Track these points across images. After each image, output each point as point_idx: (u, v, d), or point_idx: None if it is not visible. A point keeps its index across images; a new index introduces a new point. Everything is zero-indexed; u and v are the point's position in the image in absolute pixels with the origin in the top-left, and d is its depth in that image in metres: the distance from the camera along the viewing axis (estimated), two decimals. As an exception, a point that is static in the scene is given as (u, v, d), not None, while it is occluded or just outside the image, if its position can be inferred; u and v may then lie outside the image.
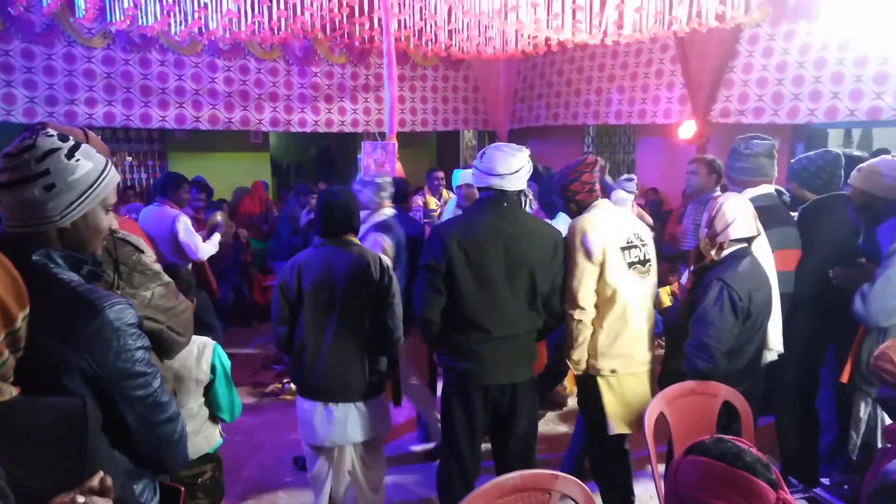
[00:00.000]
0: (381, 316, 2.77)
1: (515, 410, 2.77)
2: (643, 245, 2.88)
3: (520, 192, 2.77)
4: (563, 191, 2.93)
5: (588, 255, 2.72)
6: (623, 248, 2.79)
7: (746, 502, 1.16)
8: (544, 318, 2.76)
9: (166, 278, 1.92)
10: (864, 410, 2.81)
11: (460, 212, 4.06)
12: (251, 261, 7.12)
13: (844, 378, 2.84)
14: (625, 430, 2.84)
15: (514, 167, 2.61)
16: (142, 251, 1.87)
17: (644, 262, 2.85)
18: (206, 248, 4.83)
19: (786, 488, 1.22)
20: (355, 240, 2.82)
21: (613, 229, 2.80)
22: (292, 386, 5.15)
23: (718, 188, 4.03)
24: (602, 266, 2.74)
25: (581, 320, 2.76)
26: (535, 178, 4.65)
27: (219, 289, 5.97)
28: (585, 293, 2.74)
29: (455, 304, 2.62)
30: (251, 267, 7.13)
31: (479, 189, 2.72)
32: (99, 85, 6.27)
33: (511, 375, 2.73)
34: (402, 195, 4.13)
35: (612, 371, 2.81)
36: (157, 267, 1.91)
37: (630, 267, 2.79)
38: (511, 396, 2.75)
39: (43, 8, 5.02)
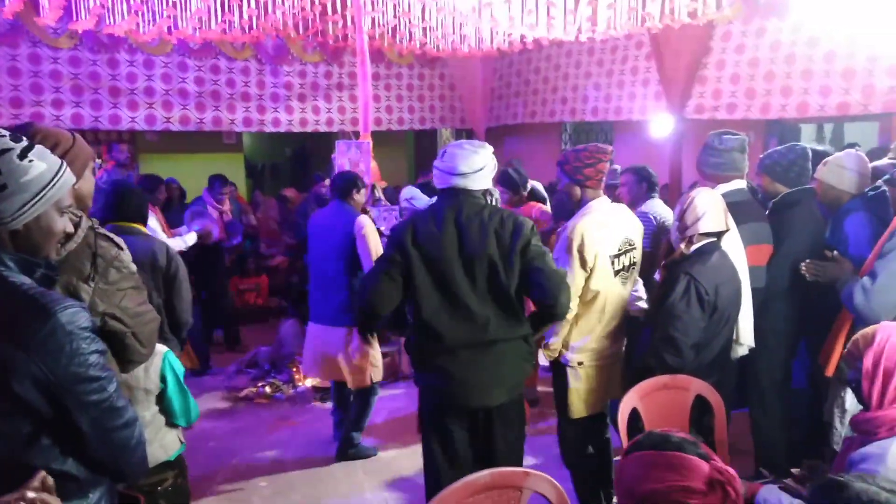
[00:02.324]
0: (169, 300, 2.92)
1: (493, 439, 2.52)
2: (632, 249, 2.88)
3: (485, 191, 2.59)
4: (574, 172, 2.79)
5: (583, 263, 2.71)
6: (613, 256, 2.79)
7: (682, 477, 1.24)
8: (525, 323, 2.53)
9: (140, 282, 1.92)
10: (850, 401, 2.80)
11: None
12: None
13: (830, 371, 2.81)
14: (583, 414, 2.87)
15: (476, 165, 2.45)
16: (121, 248, 1.90)
17: (629, 268, 2.88)
18: (170, 242, 4.87)
19: (717, 458, 1.30)
20: (143, 229, 2.93)
21: (609, 235, 2.78)
22: (267, 389, 5.09)
23: (656, 194, 4.03)
24: (591, 272, 2.73)
25: (565, 317, 2.73)
26: (511, 183, 4.63)
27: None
28: (572, 293, 2.71)
29: (418, 310, 2.47)
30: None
31: (441, 190, 2.55)
32: (66, 86, 6.14)
33: (483, 397, 2.48)
34: (345, 189, 3.95)
35: (580, 363, 2.84)
36: (134, 268, 1.93)
37: (616, 274, 2.81)
38: (486, 422, 2.51)
39: (4, 8, 4.90)
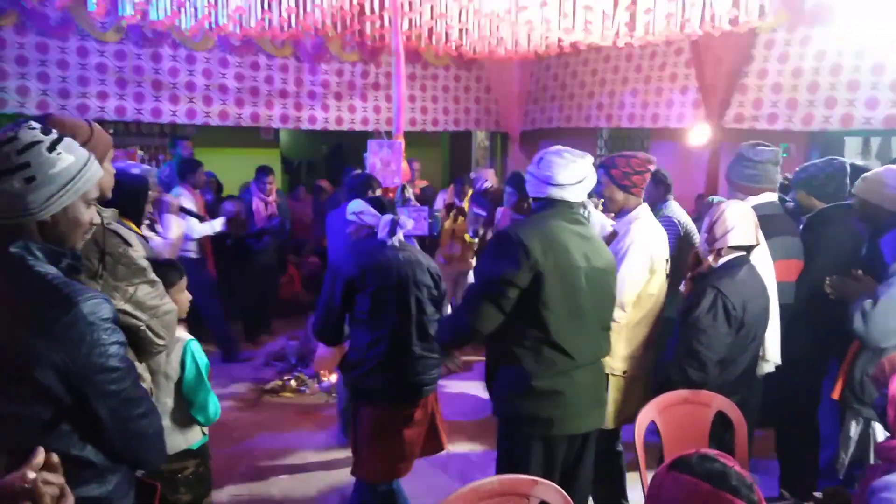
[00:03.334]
0: None
1: (580, 465, 2.41)
2: (669, 255, 2.95)
3: (581, 204, 2.41)
4: (622, 178, 2.80)
5: (652, 266, 2.75)
6: (666, 260, 2.86)
7: None
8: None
9: (153, 276, 1.92)
10: (854, 429, 2.75)
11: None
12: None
13: (836, 395, 2.78)
14: (614, 426, 2.85)
15: (576, 176, 2.26)
16: (129, 244, 1.89)
17: (669, 273, 2.93)
18: (199, 227, 5.29)
19: None
20: (132, 225, 2.78)
21: (662, 240, 2.86)
22: (293, 383, 5.16)
23: (671, 196, 3.99)
24: (652, 275, 2.77)
25: (619, 322, 2.71)
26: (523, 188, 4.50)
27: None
28: (631, 298, 2.73)
29: (539, 329, 2.22)
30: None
31: (535, 199, 2.40)
32: (111, 79, 6.30)
33: (590, 420, 2.36)
34: (360, 190, 3.87)
35: (624, 372, 2.81)
36: (145, 263, 1.92)
37: (666, 278, 2.87)
38: (579, 448, 2.40)
39: (56, 1, 5.06)
